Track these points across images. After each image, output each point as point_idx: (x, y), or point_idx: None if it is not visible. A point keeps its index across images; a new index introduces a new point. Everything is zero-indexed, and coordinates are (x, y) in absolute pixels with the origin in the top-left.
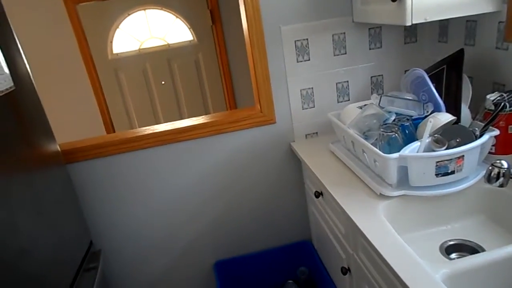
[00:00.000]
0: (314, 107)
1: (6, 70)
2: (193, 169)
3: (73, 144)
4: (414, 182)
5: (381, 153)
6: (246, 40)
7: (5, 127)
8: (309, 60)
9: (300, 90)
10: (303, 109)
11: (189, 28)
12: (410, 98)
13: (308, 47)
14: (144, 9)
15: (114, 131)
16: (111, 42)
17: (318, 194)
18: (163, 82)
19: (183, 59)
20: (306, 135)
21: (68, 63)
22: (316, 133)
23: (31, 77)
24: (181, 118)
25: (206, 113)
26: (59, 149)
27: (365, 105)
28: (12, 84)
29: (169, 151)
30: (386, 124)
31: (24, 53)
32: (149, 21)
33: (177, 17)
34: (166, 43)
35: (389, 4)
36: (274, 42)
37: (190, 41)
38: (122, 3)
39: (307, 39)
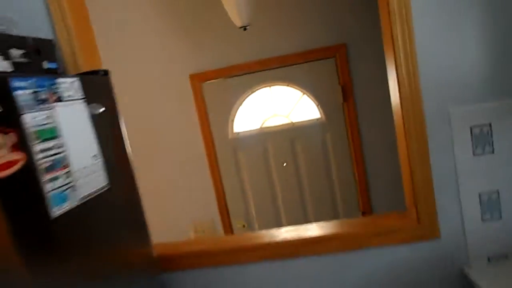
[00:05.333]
0: (501, 218)
1: (102, 172)
2: None
3: (172, 247)
4: None
5: None
6: (397, 126)
7: (96, 226)
8: (492, 153)
9: (479, 194)
10: (483, 220)
11: (317, 106)
12: None
13: (491, 136)
14: (270, 86)
15: (229, 220)
16: (233, 120)
17: None
18: (285, 164)
19: (308, 139)
20: (488, 258)
21: (188, 139)
22: (506, 256)
23: (134, 173)
24: (302, 204)
25: (332, 202)
26: (153, 254)
27: None
28: (107, 182)
29: (286, 269)
30: None
31: (130, 151)
32: (274, 98)
33: (304, 93)
34: (290, 122)
35: None
36: (439, 129)
37: (317, 119)
38: (247, 80)
39: (489, 125)
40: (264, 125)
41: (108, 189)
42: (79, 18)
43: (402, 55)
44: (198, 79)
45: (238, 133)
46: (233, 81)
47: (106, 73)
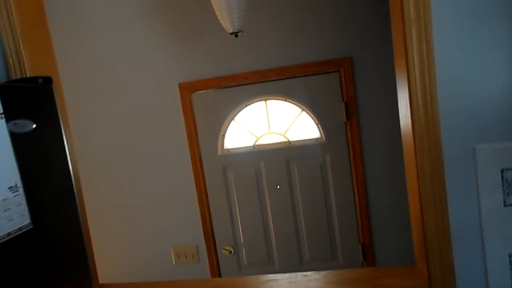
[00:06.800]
0: None
1: (23, 207)
2: None
3: None
4: None
5: None
6: (407, 164)
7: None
8: None
9: (510, 255)
10: None
11: (317, 124)
12: None
13: None
14: (265, 100)
15: (214, 245)
16: (223, 135)
17: None
18: (278, 187)
19: (306, 160)
20: None
21: (173, 153)
22: None
23: (77, 204)
24: (296, 232)
25: (329, 231)
26: None
27: None
28: (28, 221)
29: None
30: None
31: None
32: (269, 114)
33: (302, 109)
34: (286, 140)
35: None
36: (461, 170)
37: (316, 139)
38: (241, 92)
39: None
40: (258, 143)
41: (31, 229)
42: (29, 17)
43: (417, 76)
44: (187, 89)
45: (229, 149)
46: (225, 93)
47: (47, 81)
